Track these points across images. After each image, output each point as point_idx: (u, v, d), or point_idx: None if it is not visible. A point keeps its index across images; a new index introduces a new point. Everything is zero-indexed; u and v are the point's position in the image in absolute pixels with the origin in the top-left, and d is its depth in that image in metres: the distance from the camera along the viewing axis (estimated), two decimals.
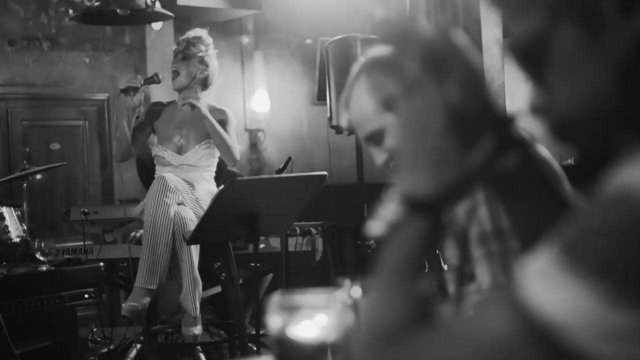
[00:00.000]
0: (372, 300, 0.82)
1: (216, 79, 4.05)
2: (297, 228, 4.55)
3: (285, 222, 3.81)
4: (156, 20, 4.78)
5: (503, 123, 0.83)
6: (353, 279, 1.10)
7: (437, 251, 1.44)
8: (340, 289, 1.08)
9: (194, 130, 3.94)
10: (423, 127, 0.82)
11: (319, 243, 4.65)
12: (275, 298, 1.01)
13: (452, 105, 0.80)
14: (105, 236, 4.87)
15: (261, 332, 3.41)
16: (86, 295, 3.85)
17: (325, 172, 3.56)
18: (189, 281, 3.65)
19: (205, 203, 3.66)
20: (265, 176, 5.69)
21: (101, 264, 4.03)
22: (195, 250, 3.71)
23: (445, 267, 1.69)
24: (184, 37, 4.01)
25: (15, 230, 3.78)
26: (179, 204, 3.72)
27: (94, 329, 4.59)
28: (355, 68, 1.70)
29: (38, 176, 4.28)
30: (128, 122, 3.88)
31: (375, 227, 0.85)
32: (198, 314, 3.70)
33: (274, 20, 7.08)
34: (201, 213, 3.61)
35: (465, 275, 1.54)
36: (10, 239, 3.75)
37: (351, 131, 1.66)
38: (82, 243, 4.51)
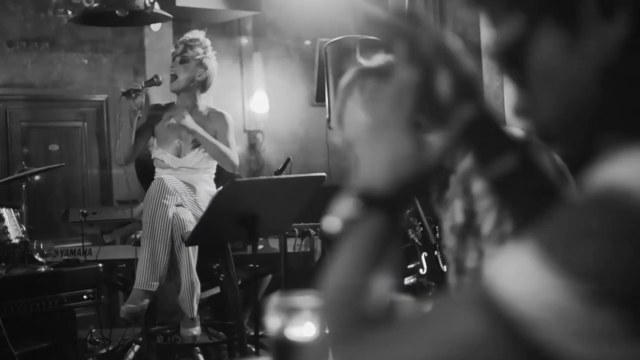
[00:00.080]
0: (327, 298, 0.81)
1: (215, 80, 4.05)
2: (295, 229, 4.55)
3: (284, 223, 3.81)
4: (155, 22, 4.78)
5: (484, 121, 0.83)
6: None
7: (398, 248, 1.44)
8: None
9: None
10: (383, 122, 0.83)
11: (318, 244, 4.65)
12: (274, 299, 1.01)
13: (417, 99, 0.81)
14: (104, 237, 4.88)
15: (260, 333, 3.41)
16: (85, 296, 3.85)
17: (324, 173, 3.56)
18: (187, 283, 3.66)
19: (205, 204, 3.66)
20: (264, 177, 5.69)
21: (100, 265, 4.03)
22: (193, 251, 3.71)
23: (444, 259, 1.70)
24: (181, 39, 4.01)
25: (14, 231, 3.78)
26: (177, 205, 3.72)
27: (93, 330, 4.58)
28: (345, 81, 1.64)
29: (37, 177, 4.28)
30: (130, 125, 3.88)
31: (331, 223, 0.85)
32: (195, 315, 3.70)
33: (273, 22, 7.09)
34: (200, 214, 3.61)
35: (465, 267, 1.53)
36: (9, 240, 3.75)
37: (346, 149, 1.62)
38: (80, 244, 4.51)
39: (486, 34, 4.52)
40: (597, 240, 0.59)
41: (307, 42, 7.14)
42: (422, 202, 3.36)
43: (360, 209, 0.82)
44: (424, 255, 3.76)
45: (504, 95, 5.11)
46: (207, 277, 3.99)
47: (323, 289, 0.81)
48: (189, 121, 3.79)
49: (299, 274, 4.52)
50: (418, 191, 0.84)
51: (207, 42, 3.99)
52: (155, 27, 6.04)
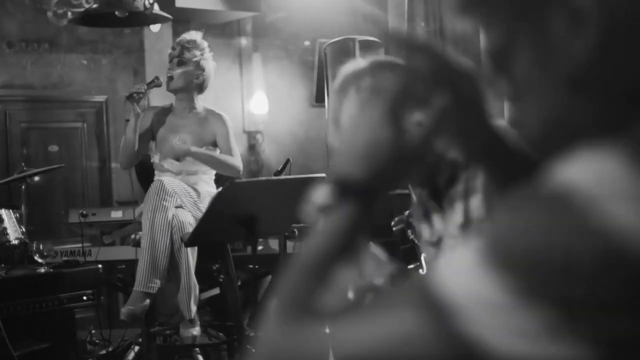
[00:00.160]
0: (290, 278, 0.81)
1: (213, 82, 4.05)
2: (295, 230, 4.55)
3: (283, 224, 3.81)
4: (154, 23, 4.77)
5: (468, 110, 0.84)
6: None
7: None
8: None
9: (191, 136, 3.95)
10: (362, 111, 0.83)
11: None
12: (274, 300, 1.01)
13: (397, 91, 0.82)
14: (104, 238, 4.88)
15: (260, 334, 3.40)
16: (84, 297, 3.85)
17: (323, 174, 3.56)
18: (185, 284, 3.66)
19: (204, 206, 3.67)
20: (264, 178, 5.69)
21: (99, 265, 4.03)
22: (192, 253, 3.71)
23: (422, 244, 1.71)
24: (178, 40, 4.01)
25: (13, 232, 3.78)
26: (177, 207, 3.72)
27: (93, 331, 4.58)
28: (339, 82, 1.62)
29: (36, 178, 4.27)
30: (134, 128, 3.88)
31: (307, 211, 0.86)
32: (193, 316, 3.71)
33: (272, 22, 7.09)
34: (200, 216, 3.61)
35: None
36: (9, 241, 3.75)
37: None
38: (80, 245, 4.51)
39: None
40: (533, 237, 0.59)
41: (307, 43, 7.14)
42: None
43: (335, 197, 0.83)
44: (423, 255, 3.76)
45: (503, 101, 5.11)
46: (206, 278, 3.99)
47: (288, 273, 0.81)
48: (186, 146, 3.80)
49: None
50: (396, 182, 0.85)
51: (204, 43, 3.99)
52: (155, 28, 6.03)
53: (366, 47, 4.13)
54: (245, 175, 6.65)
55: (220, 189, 3.42)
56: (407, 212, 3.10)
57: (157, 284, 3.61)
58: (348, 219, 0.82)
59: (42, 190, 5.97)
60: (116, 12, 4.05)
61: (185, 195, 3.76)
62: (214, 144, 3.96)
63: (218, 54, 4.09)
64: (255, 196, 3.45)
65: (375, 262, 1.61)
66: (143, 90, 3.85)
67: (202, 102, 4.01)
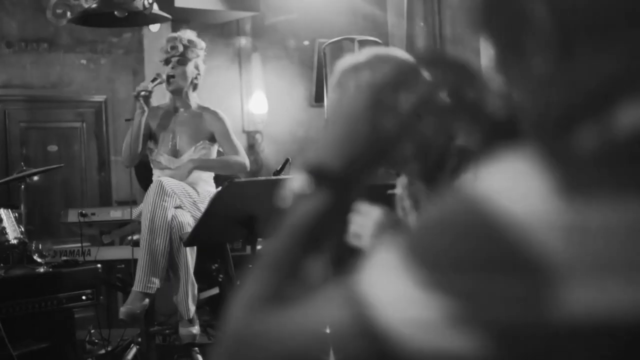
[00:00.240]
0: (257, 264, 0.82)
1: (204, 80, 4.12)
2: None
3: None
4: (154, 22, 4.77)
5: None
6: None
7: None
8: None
9: (188, 132, 3.97)
10: (341, 102, 0.84)
11: None
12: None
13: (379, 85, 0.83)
14: (103, 238, 4.88)
15: None
16: (84, 297, 3.86)
17: None
18: (184, 285, 3.67)
19: (204, 206, 3.67)
20: (263, 178, 5.69)
21: (99, 265, 4.03)
22: (191, 253, 3.72)
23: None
24: (175, 38, 3.99)
25: (12, 232, 3.78)
26: (176, 207, 3.72)
27: (92, 331, 4.58)
28: (336, 77, 1.59)
29: (35, 178, 4.28)
30: (139, 126, 3.89)
31: (283, 197, 0.87)
32: (192, 316, 3.71)
33: (271, 22, 7.09)
34: (199, 216, 3.61)
35: None
36: (8, 241, 3.75)
37: None
38: (79, 245, 4.51)
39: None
40: (441, 235, 0.63)
41: (306, 43, 7.14)
42: None
43: (310, 185, 0.83)
44: None
45: None
46: (206, 277, 3.99)
47: (259, 257, 0.82)
48: (193, 163, 3.84)
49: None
50: (370, 170, 0.85)
51: (203, 43, 4.05)
52: (154, 27, 6.02)
53: (365, 47, 4.13)
54: (244, 175, 6.65)
55: (220, 188, 3.43)
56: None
57: (155, 284, 3.62)
58: (321, 207, 0.82)
59: (41, 190, 5.96)
60: (115, 12, 4.05)
61: (185, 196, 3.76)
62: (210, 139, 3.97)
63: (217, 53, 4.11)
64: (255, 196, 3.45)
65: (363, 215, 1.66)
66: (150, 89, 3.87)
67: (195, 99, 4.05)
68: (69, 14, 4.25)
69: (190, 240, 3.57)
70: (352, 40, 4.02)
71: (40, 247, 3.91)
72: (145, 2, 4.06)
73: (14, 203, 4.11)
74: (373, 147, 0.83)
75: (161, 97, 4.23)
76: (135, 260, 3.72)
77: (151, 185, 3.72)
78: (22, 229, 3.87)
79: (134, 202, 4.47)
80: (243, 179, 4.51)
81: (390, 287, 0.64)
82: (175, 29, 6.04)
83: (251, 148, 7.20)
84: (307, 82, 7.16)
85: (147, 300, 3.62)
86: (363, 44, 3.95)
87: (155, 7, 4.15)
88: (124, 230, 4.89)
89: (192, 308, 3.71)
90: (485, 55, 4.64)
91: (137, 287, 3.62)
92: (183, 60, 3.94)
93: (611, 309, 0.57)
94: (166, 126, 4.00)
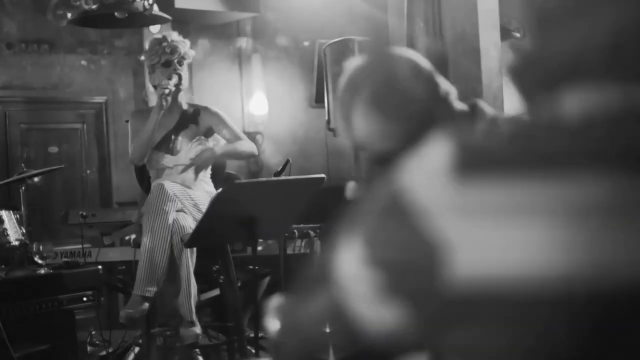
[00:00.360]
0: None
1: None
2: (295, 231, 4.55)
3: (283, 225, 3.82)
4: (154, 23, 4.78)
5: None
6: None
7: None
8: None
9: (184, 130, 3.98)
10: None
11: (318, 245, 4.65)
12: (274, 301, 1.01)
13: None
14: (104, 239, 4.87)
15: (260, 334, 3.41)
16: (84, 299, 3.85)
17: (323, 175, 3.56)
18: (185, 287, 3.67)
19: (205, 207, 3.67)
20: (264, 179, 5.69)
21: (99, 267, 4.03)
22: (191, 256, 3.72)
23: None
24: (176, 40, 3.99)
25: (13, 233, 3.78)
26: (178, 211, 3.73)
27: (93, 332, 4.58)
28: (348, 80, 1.57)
29: (36, 179, 4.27)
30: (155, 123, 3.90)
31: (350, 187, 0.94)
32: (193, 317, 3.71)
33: (271, 23, 7.09)
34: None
35: None
36: (9, 242, 3.75)
37: (357, 150, 1.63)
38: (80, 246, 4.50)
39: (485, 35, 4.52)
40: (376, 219, 0.75)
41: (306, 44, 7.14)
42: None
43: (372, 170, 0.94)
44: None
45: (503, 97, 5.11)
46: (206, 279, 3.99)
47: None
48: (210, 152, 3.92)
49: (298, 276, 4.51)
50: (414, 142, 0.92)
51: (188, 41, 4.11)
52: (155, 28, 6.04)
53: (365, 47, 4.13)
54: (245, 176, 6.65)
55: (220, 190, 3.43)
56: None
57: (154, 288, 3.64)
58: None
59: (42, 191, 5.97)
60: (116, 13, 4.06)
61: (186, 199, 3.76)
62: (205, 135, 3.99)
63: (217, 55, 4.11)
64: (255, 197, 3.45)
65: None
66: (170, 87, 3.88)
67: (184, 98, 4.08)
68: (69, 15, 4.26)
69: (191, 242, 3.57)
70: (352, 41, 4.02)
71: (41, 248, 3.91)
72: (146, 3, 4.07)
73: (14, 204, 4.11)
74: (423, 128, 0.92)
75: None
76: (136, 262, 3.72)
77: (152, 188, 3.72)
78: (23, 231, 3.87)
79: (134, 204, 4.47)
80: (243, 180, 4.52)
81: (347, 266, 0.75)
82: (175, 30, 6.05)
83: None
84: (307, 83, 7.16)
85: (146, 304, 3.64)
86: (363, 44, 3.95)
87: (156, 8, 4.16)
88: (124, 232, 4.88)
89: (194, 309, 3.71)
90: (485, 55, 4.63)
91: (136, 290, 3.63)
92: (181, 61, 3.95)
93: (492, 280, 0.65)
94: (162, 126, 4.00)
